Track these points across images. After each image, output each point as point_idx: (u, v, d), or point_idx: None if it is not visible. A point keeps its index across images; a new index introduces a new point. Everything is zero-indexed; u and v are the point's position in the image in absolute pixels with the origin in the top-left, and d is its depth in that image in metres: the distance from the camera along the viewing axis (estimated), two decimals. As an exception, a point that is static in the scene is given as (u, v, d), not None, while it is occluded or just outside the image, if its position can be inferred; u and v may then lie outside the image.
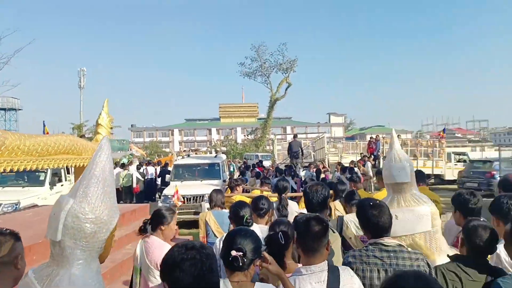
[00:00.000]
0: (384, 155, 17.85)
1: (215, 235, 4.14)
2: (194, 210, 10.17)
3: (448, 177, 17.92)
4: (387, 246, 2.21)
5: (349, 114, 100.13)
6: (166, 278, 1.43)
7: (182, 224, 10.38)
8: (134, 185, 14.90)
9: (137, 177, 15.19)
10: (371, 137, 19.81)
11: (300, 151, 14.90)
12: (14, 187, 10.33)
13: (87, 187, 1.56)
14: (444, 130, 19.86)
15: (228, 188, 6.71)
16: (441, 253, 2.55)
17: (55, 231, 1.51)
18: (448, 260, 2.31)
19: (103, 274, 1.69)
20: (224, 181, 11.53)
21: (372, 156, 18.06)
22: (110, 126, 7.68)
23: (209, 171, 11.73)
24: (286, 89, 42.68)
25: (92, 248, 1.56)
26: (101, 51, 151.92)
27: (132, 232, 5.72)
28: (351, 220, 3.48)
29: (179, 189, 10.20)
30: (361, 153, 18.60)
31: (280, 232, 2.31)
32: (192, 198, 10.23)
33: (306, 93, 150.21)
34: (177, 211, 9.32)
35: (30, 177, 10.51)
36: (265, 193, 5.76)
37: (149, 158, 26.21)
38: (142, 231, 3.10)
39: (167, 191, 10.61)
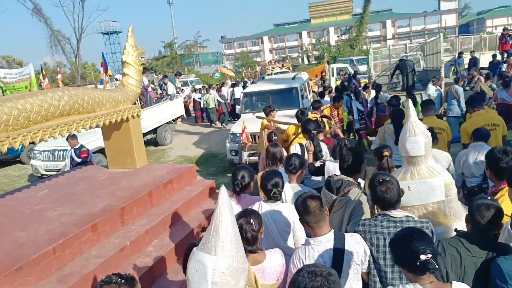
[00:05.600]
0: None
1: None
2: (268, 151, 8.36)
3: None
4: (394, 217, 2.38)
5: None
6: None
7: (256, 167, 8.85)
8: (217, 107, 15.62)
9: (217, 100, 15.57)
10: (505, 29, 14.82)
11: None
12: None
13: (224, 242, 1.59)
14: None
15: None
16: (457, 219, 2.66)
17: None
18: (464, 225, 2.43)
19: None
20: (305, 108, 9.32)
21: (506, 55, 13.63)
22: (141, 63, 5.78)
23: (285, 98, 9.46)
24: (385, -24, 36.22)
25: None
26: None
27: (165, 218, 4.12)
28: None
29: (248, 124, 8.41)
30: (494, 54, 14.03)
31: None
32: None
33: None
34: (247, 152, 7.49)
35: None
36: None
37: (237, 80, 24.79)
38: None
39: (235, 128, 8.85)
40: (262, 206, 2.97)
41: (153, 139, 12.02)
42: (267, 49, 74.07)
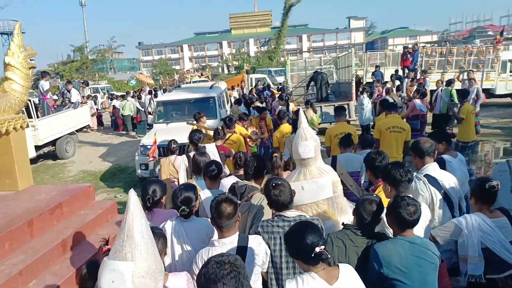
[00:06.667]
0: (423, 68, 14.61)
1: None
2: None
3: (500, 91, 14.75)
4: (288, 217, 2.57)
5: (370, 17, 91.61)
6: None
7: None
8: (135, 115, 14.83)
9: (137, 107, 14.84)
10: (405, 47, 16.17)
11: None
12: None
13: (139, 246, 1.58)
14: (502, 32, 15.71)
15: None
16: (343, 214, 2.97)
17: None
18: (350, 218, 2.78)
19: None
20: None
21: (406, 70, 14.83)
22: (30, 66, 4.88)
23: (202, 108, 8.92)
24: (302, -8, 37.61)
25: None
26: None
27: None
28: (343, 159, 4.32)
29: (161, 135, 7.76)
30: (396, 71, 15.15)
31: None
32: (180, 148, 7.77)
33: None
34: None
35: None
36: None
37: (155, 87, 23.89)
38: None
39: (146, 139, 8.16)
40: (175, 223, 2.78)
41: (51, 152, 10.64)
42: (187, 57, 72.91)
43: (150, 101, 15.31)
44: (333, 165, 4.14)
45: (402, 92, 11.97)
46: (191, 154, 4.86)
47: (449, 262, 2.90)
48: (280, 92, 13.77)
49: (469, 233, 2.65)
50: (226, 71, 50.86)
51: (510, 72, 15.01)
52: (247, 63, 40.58)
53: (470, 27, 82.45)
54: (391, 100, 9.94)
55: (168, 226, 2.77)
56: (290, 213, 2.59)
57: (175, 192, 2.90)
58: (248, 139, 6.98)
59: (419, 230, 2.52)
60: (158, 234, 2.30)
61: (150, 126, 10.42)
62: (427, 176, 3.20)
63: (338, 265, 2.09)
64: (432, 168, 3.29)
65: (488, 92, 14.41)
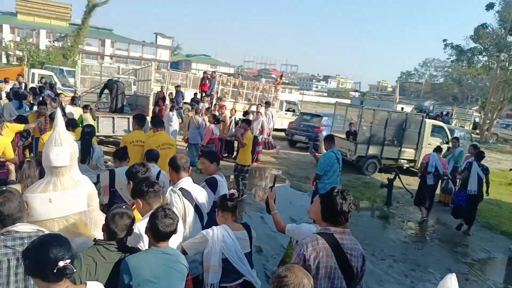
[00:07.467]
0: (219, 95, 15.71)
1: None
2: None
3: (277, 125, 17.34)
4: (21, 233, 2.19)
5: (177, 38, 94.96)
6: None
7: None
8: None
9: None
10: (205, 72, 17.12)
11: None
12: None
13: None
14: (281, 76, 18.68)
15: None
16: (97, 229, 2.69)
17: None
18: None
19: None
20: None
21: (204, 94, 15.65)
22: None
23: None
24: (108, -6, 35.45)
25: None
26: None
27: None
28: (121, 173, 3.92)
29: None
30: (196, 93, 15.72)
31: None
32: None
33: (133, 6, 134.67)
34: None
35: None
36: None
37: None
38: None
39: None
40: None
41: None
42: None
43: None
44: (111, 179, 4.01)
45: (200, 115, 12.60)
46: None
47: (195, 272, 3.11)
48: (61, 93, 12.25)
49: (213, 244, 2.87)
50: (4, 60, 42.47)
51: (285, 111, 17.99)
52: (34, 55, 34.94)
53: (259, 67, 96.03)
54: (199, 119, 10.28)
55: None
56: (25, 227, 2.22)
57: None
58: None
59: (172, 242, 2.63)
60: None
61: None
62: (181, 189, 3.40)
63: (86, 283, 1.96)
64: (186, 181, 3.50)
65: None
